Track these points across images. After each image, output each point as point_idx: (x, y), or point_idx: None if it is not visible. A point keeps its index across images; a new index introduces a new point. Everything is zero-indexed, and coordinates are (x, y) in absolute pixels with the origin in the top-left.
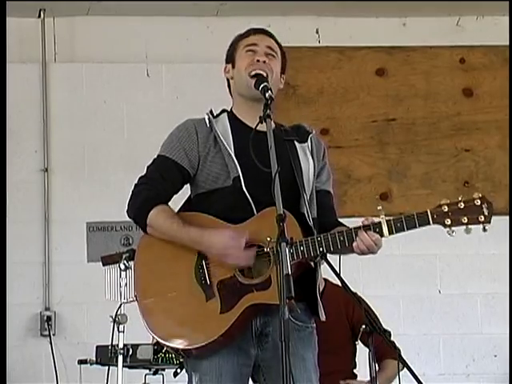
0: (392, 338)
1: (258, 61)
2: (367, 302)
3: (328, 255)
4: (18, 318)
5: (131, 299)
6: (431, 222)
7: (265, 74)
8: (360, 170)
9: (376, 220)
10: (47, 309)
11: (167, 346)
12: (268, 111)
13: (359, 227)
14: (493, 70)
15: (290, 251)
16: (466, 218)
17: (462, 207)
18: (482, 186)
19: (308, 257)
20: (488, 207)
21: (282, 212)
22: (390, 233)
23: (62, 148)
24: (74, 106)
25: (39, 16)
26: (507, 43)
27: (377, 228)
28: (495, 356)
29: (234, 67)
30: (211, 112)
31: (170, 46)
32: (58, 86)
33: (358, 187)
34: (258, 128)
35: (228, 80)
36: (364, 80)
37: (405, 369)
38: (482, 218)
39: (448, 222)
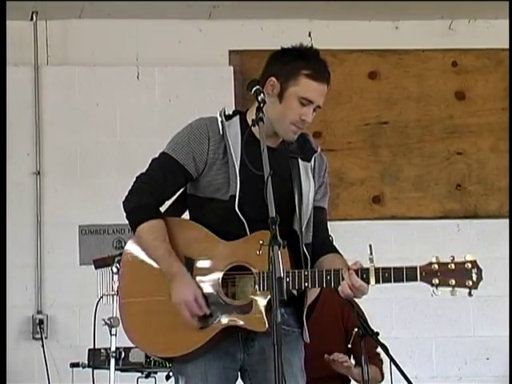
0: (384, 341)
1: (302, 120)
2: (359, 305)
3: None
4: (11, 321)
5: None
6: (419, 279)
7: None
8: (352, 172)
9: (365, 266)
10: (39, 312)
11: (139, 347)
12: (260, 114)
13: (347, 270)
14: (485, 73)
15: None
16: (453, 281)
17: (452, 268)
18: (474, 189)
19: (293, 289)
20: (477, 273)
21: (274, 215)
22: (377, 281)
23: (55, 151)
24: (67, 109)
25: (32, 19)
26: (499, 46)
27: (364, 274)
28: (487, 359)
29: (280, 96)
30: (224, 113)
31: (163, 48)
32: (50, 89)
33: (350, 190)
34: (267, 144)
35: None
36: (356, 83)
37: (397, 371)
38: (469, 283)
39: (436, 281)
